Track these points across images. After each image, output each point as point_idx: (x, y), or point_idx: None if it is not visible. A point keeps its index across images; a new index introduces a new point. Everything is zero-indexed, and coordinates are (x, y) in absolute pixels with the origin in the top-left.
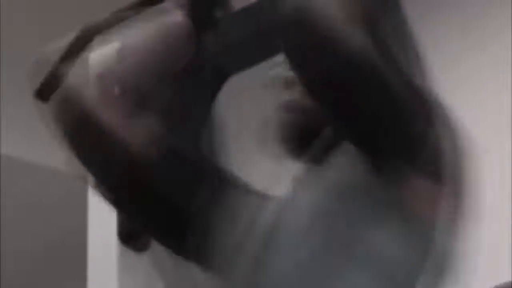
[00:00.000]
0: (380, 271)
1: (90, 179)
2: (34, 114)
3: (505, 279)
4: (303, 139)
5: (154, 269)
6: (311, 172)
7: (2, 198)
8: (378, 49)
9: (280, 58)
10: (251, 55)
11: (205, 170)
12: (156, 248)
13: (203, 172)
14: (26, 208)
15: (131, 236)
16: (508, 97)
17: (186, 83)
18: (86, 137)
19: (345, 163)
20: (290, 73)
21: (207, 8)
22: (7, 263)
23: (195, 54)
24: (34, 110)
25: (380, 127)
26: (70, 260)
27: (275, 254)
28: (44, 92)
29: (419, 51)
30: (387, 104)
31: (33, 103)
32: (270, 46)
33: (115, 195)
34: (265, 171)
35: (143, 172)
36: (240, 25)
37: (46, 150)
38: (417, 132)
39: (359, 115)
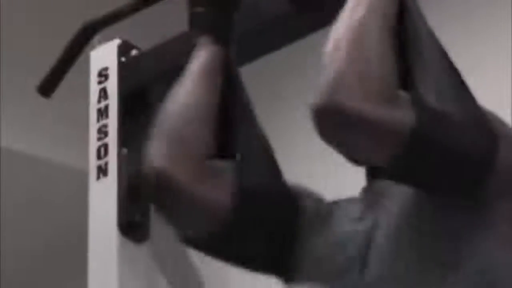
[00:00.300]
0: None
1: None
2: (36, 108)
3: None
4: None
5: (153, 261)
6: (389, 185)
7: (2, 191)
8: (427, 114)
9: None
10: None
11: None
12: (156, 240)
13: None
14: (26, 202)
15: (130, 227)
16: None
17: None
18: (176, 208)
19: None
20: None
21: (229, 28)
22: (8, 257)
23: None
24: (36, 104)
25: (449, 178)
26: (70, 253)
27: (375, 261)
28: (46, 88)
29: (457, 69)
30: (448, 156)
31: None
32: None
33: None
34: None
35: (215, 219)
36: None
37: (46, 144)
38: (486, 157)
39: (434, 175)
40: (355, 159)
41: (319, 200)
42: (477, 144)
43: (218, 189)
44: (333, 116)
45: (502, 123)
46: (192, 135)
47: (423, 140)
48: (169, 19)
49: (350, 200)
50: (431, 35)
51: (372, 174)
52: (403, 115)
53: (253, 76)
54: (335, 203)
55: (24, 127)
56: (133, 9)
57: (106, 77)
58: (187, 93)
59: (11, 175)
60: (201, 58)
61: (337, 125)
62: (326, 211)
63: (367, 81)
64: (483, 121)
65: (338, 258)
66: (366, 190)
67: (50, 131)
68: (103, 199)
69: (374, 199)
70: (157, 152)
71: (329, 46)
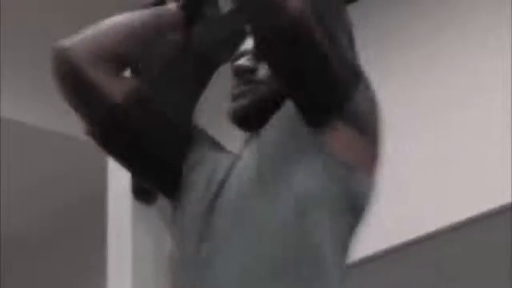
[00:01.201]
0: (301, 201)
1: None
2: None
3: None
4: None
5: (160, 221)
6: (253, 135)
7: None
8: (316, 16)
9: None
10: (234, 50)
11: (180, 121)
12: (163, 203)
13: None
14: (52, 174)
15: (141, 193)
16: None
17: (173, 66)
18: (75, 88)
19: (280, 123)
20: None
21: (199, 5)
22: (33, 220)
23: (183, 42)
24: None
25: (314, 84)
26: (88, 217)
27: (232, 181)
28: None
29: (354, 38)
30: (319, 65)
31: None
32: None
33: (102, 135)
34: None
35: (122, 115)
36: (226, 25)
37: (70, 123)
38: (343, 91)
39: (296, 73)
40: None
41: (212, 141)
42: (347, 71)
43: (116, 85)
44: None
45: (367, 77)
46: (111, 36)
47: (299, 26)
48: None
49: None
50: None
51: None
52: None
53: None
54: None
55: (52, 108)
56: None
57: None
58: (131, 16)
59: (40, 151)
60: (162, 9)
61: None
62: (214, 146)
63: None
64: (355, 64)
65: (206, 179)
66: (246, 142)
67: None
68: (119, 171)
69: (246, 142)
70: (72, 38)
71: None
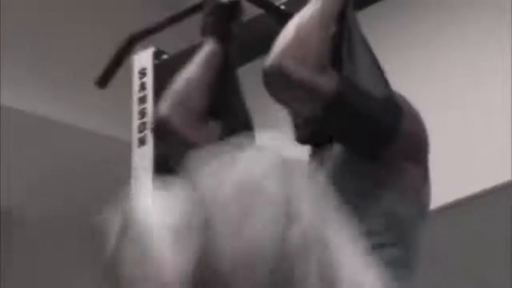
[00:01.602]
0: (387, 218)
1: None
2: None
3: None
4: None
5: None
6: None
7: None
8: (342, 81)
9: None
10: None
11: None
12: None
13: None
14: (82, 168)
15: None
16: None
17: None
18: (168, 139)
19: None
20: None
21: (229, 30)
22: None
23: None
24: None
25: (366, 133)
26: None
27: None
28: (102, 81)
29: (380, 64)
30: (362, 116)
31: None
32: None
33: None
34: None
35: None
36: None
37: (99, 120)
38: (391, 126)
39: (349, 131)
40: (293, 111)
41: None
42: (386, 114)
43: (204, 136)
44: (278, 75)
45: (407, 103)
46: (189, 97)
47: (340, 101)
48: (191, 31)
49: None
50: (361, 36)
51: (315, 144)
52: (328, 80)
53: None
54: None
55: (85, 108)
56: (163, 26)
57: (144, 74)
58: (190, 71)
59: (70, 147)
60: (203, 51)
61: (280, 83)
62: None
63: (305, 54)
64: (392, 98)
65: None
66: (312, 155)
67: (103, 112)
68: (143, 160)
69: (317, 160)
70: (162, 105)
71: (283, 31)
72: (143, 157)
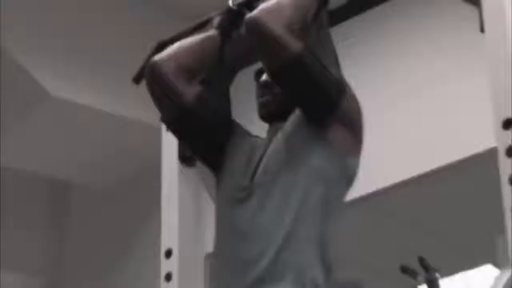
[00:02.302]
0: (313, 174)
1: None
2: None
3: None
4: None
5: (198, 178)
6: (275, 127)
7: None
8: (307, 48)
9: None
10: (247, 61)
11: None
12: (199, 165)
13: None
14: (115, 151)
15: (185, 159)
16: None
17: (215, 70)
18: (160, 91)
19: (294, 121)
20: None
21: (231, 29)
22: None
23: (220, 55)
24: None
25: (312, 99)
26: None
27: (264, 163)
28: (137, 79)
29: (337, 56)
30: (316, 84)
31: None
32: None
33: (175, 123)
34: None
35: (190, 112)
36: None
37: (131, 107)
38: (332, 101)
39: (301, 92)
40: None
41: (245, 131)
42: (333, 88)
43: (189, 88)
44: (255, 25)
45: (351, 88)
46: (181, 56)
47: (302, 60)
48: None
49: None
50: (328, 32)
51: (270, 121)
52: (295, 41)
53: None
54: (252, 134)
55: (116, 95)
56: (185, 34)
57: None
58: (187, 41)
59: (104, 131)
60: (205, 33)
61: (255, 31)
62: (246, 136)
63: (280, 15)
64: (341, 80)
65: (244, 161)
66: (269, 130)
67: (135, 100)
68: (170, 143)
69: (273, 132)
70: (157, 56)
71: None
72: (170, 140)
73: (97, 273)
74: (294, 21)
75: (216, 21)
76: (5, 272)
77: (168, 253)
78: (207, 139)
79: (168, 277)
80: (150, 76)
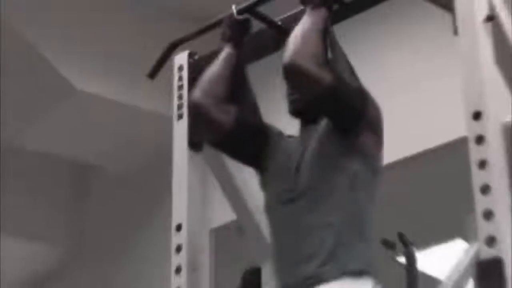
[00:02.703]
0: (352, 178)
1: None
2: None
3: None
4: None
5: (205, 162)
6: (308, 126)
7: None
8: (336, 77)
9: None
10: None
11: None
12: (206, 150)
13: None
14: (126, 140)
15: (193, 145)
16: None
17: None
18: (202, 123)
19: (327, 128)
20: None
21: (241, 37)
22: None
23: (240, 68)
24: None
25: (342, 113)
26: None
27: (304, 166)
28: (152, 74)
29: (350, 63)
30: (345, 103)
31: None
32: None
33: (218, 147)
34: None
35: (232, 137)
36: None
37: (145, 99)
38: (358, 113)
39: (333, 111)
40: (300, 94)
41: (278, 131)
42: (359, 100)
43: (225, 115)
44: (292, 68)
45: (369, 93)
46: (213, 86)
47: (335, 89)
48: (214, 39)
49: (292, 136)
50: (339, 45)
51: (304, 122)
52: (327, 73)
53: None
54: (285, 134)
55: (133, 89)
56: (195, 35)
57: (182, 69)
58: (214, 68)
59: (118, 122)
60: (223, 53)
61: (293, 73)
62: (281, 136)
63: (309, 53)
64: (362, 89)
65: (286, 161)
66: (301, 131)
67: (150, 93)
68: (181, 132)
69: (307, 134)
70: (195, 93)
71: (291, 37)
72: (180, 128)
73: (113, 246)
74: (319, 55)
75: (226, 35)
76: (32, 241)
77: (178, 227)
78: (248, 150)
79: (179, 248)
80: (193, 115)
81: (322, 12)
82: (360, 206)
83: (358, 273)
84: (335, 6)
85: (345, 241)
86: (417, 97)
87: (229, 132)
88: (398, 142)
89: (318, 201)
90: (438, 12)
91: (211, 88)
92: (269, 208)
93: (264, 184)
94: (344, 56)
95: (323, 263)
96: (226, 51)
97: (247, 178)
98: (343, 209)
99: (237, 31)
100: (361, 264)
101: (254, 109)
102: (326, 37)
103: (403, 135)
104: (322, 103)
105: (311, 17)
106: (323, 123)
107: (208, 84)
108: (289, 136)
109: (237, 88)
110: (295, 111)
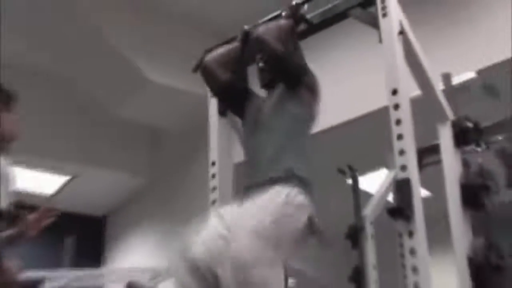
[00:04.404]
0: (293, 116)
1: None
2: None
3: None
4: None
5: (230, 126)
6: (270, 91)
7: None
8: (287, 51)
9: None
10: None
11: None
12: (230, 116)
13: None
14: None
15: (220, 112)
16: None
17: (238, 64)
18: (209, 78)
19: (280, 88)
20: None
21: (246, 41)
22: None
23: (241, 55)
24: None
25: (290, 75)
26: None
27: (263, 113)
28: (195, 69)
29: (303, 53)
30: (291, 68)
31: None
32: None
33: (219, 95)
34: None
35: (226, 88)
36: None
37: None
38: (301, 76)
39: (283, 71)
40: (263, 60)
41: (256, 93)
42: (301, 69)
43: (223, 75)
44: (258, 39)
45: (311, 69)
46: (219, 57)
47: (283, 57)
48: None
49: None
50: (298, 43)
51: (268, 91)
52: (281, 47)
53: None
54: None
55: (180, 71)
56: (221, 45)
57: None
58: (223, 48)
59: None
60: (233, 44)
61: (259, 41)
62: (256, 95)
63: (270, 33)
64: (305, 64)
65: (255, 108)
66: (267, 94)
67: (195, 80)
68: (213, 104)
69: (269, 95)
70: (206, 58)
71: (262, 26)
72: (213, 103)
73: (175, 178)
74: (278, 36)
75: (239, 37)
76: (118, 172)
77: (213, 163)
78: (236, 101)
79: (213, 176)
80: (202, 70)
81: (291, 21)
82: (300, 135)
83: (287, 180)
84: (302, 26)
85: (287, 157)
86: (353, 82)
87: (224, 85)
88: (345, 108)
89: (272, 130)
90: (368, 28)
91: (217, 58)
92: (243, 139)
93: (243, 125)
94: (299, 48)
95: (269, 170)
96: (235, 44)
97: None
98: (288, 136)
99: (244, 38)
100: (299, 172)
101: (244, 78)
102: (292, 36)
103: (347, 104)
104: (276, 65)
105: (283, 20)
106: (278, 89)
107: (217, 55)
108: (262, 97)
109: (236, 63)
110: (263, 85)
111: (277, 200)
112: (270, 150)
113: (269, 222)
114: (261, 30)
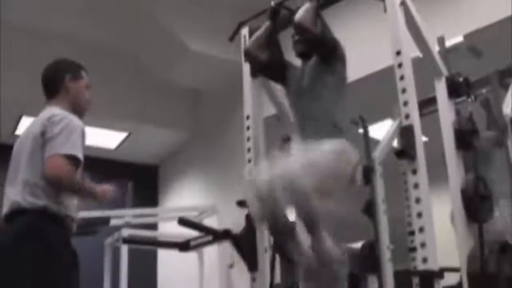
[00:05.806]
0: (332, 82)
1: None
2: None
3: None
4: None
5: (261, 86)
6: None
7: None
8: (321, 31)
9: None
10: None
11: None
12: (262, 79)
13: None
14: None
15: (253, 75)
16: None
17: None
18: (250, 58)
19: (315, 60)
20: None
21: (276, 17)
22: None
23: (274, 33)
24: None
25: (327, 51)
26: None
27: (304, 82)
28: (231, 39)
29: (331, 30)
30: (328, 45)
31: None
32: None
33: (259, 70)
34: None
35: (259, 61)
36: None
37: (225, 48)
38: (335, 50)
39: (322, 49)
40: (301, 39)
41: (292, 64)
42: (333, 44)
43: (261, 54)
44: (298, 24)
45: (341, 43)
46: (257, 40)
47: (319, 36)
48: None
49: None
50: (325, 20)
51: (303, 60)
52: (316, 28)
53: None
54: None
55: (216, 41)
56: (253, 18)
57: (245, 37)
58: (260, 30)
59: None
60: (267, 24)
61: (298, 27)
62: (293, 66)
63: (307, 19)
64: (337, 40)
65: (296, 77)
66: (302, 64)
67: (232, 48)
68: (246, 68)
69: (305, 66)
70: (248, 43)
71: (299, 11)
72: (246, 67)
73: (215, 133)
74: (312, 20)
75: (267, 14)
76: (165, 128)
77: (248, 117)
78: (277, 74)
79: (248, 128)
80: (245, 55)
81: (315, 2)
82: (337, 96)
83: (340, 131)
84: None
85: (331, 112)
86: (364, 46)
87: (264, 64)
88: (357, 68)
89: (317, 93)
90: (376, 2)
91: (255, 42)
92: (291, 103)
93: (287, 90)
94: (326, 24)
95: (322, 124)
96: (268, 23)
97: (279, 88)
98: (330, 97)
99: (274, 14)
100: (340, 125)
101: (279, 50)
102: (318, 14)
103: (359, 65)
104: (314, 44)
105: (310, 3)
106: (312, 60)
107: (255, 39)
108: (299, 67)
109: (269, 40)
110: (298, 53)
111: (331, 148)
112: (318, 110)
113: (324, 167)
114: (298, 17)
